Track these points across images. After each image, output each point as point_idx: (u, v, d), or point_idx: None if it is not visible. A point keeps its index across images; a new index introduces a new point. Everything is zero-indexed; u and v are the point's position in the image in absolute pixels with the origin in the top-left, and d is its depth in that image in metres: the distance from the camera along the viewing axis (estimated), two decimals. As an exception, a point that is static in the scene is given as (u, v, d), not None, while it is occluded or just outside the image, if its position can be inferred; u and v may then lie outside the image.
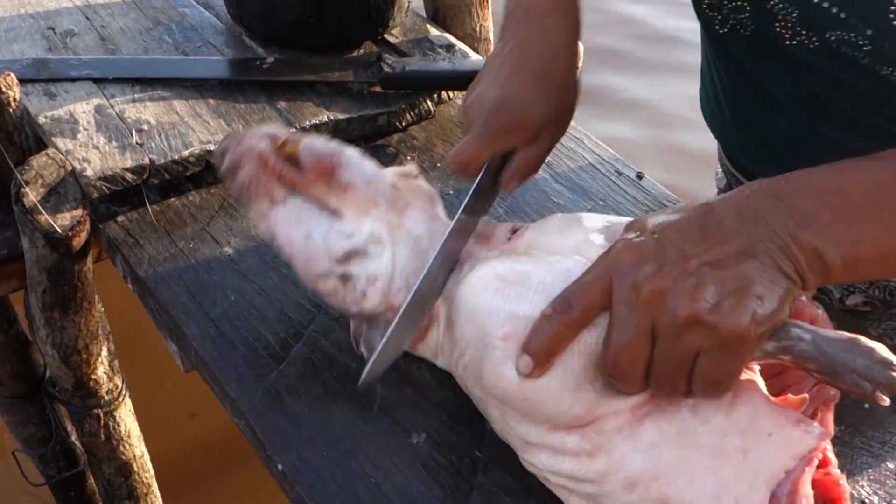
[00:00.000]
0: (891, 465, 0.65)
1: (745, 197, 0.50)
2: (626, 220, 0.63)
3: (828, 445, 0.59)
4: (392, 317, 0.64)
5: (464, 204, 0.65)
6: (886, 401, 0.48)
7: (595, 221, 0.62)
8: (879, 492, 0.63)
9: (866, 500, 0.63)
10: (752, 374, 0.56)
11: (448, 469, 0.62)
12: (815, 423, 0.52)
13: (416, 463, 0.63)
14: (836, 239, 0.48)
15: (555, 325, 0.51)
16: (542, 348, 0.52)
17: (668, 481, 0.51)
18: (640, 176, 0.94)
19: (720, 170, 0.96)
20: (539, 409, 0.55)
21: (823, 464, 0.58)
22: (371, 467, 0.62)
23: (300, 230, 0.65)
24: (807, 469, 0.50)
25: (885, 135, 0.65)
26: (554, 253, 0.60)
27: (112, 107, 0.89)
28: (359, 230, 0.65)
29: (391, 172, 0.69)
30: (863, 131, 0.66)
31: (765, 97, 0.71)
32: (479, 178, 0.66)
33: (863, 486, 0.63)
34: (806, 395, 0.57)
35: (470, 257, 0.65)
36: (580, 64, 0.72)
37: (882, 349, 0.49)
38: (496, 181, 0.68)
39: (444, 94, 1.01)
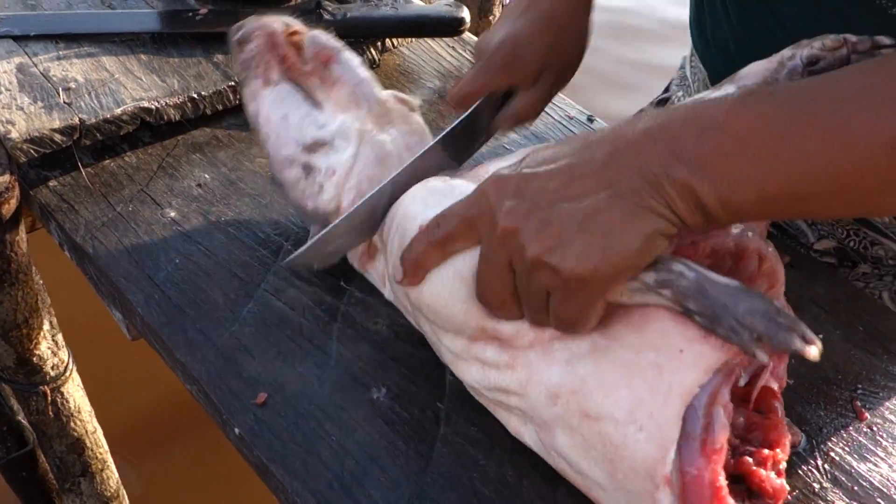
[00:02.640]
0: (846, 393, 0.66)
1: (625, 127, 0.47)
2: None
3: (777, 395, 0.58)
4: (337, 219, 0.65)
5: (450, 126, 0.65)
6: (764, 357, 0.45)
7: None
8: (836, 420, 0.64)
9: (823, 428, 0.63)
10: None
11: (410, 422, 0.61)
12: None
13: (377, 418, 0.61)
14: (714, 177, 0.44)
15: (423, 243, 0.52)
16: (410, 261, 0.53)
17: (585, 394, 0.51)
18: (591, 119, 0.93)
19: (680, 94, 0.94)
20: (441, 317, 0.56)
21: (768, 411, 0.57)
22: (331, 425, 0.61)
23: (279, 111, 0.67)
24: (723, 382, 0.49)
25: None
26: None
27: (35, 65, 0.84)
28: (331, 122, 0.66)
29: (390, 93, 0.70)
30: None
31: (781, 36, 0.68)
32: (471, 109, 0.67)
33: (820, 415, 0.64)
34: None
35: None
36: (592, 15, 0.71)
37: (772, 301, 0.45)
38: (493, 120, 0.69)
39: (388, 42, 0.97)
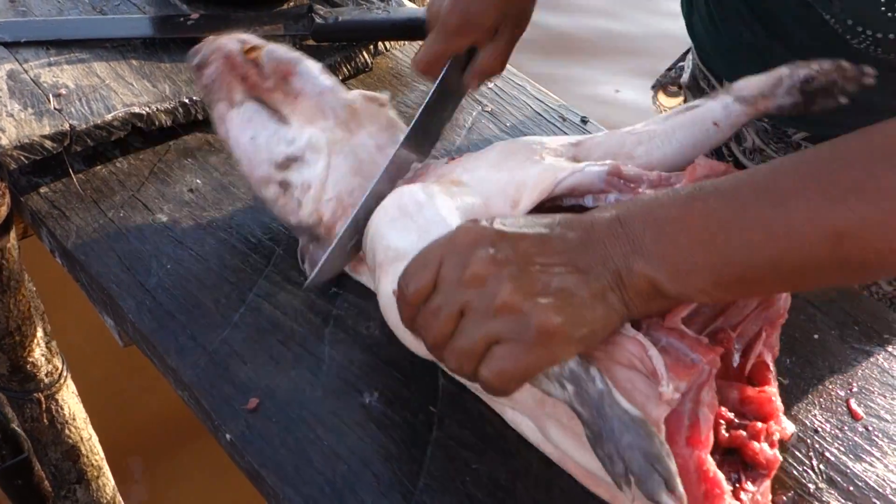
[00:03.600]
0: (841, 393, 0.66)
1: (591, 218, 0.50)
2: (558, 140, 0.66)
3: (770, 366, 0.60)
4: (322, 231, 0.66)
5: (426, 101, 0.68)
6: (628, 495, 0.47)
7: (525, 158, 0.63)
8: (832, 420, 0.64)
9: (819, 429, 0.63)
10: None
11: (402, 426, 0.61)
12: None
13: (370, 422, 0.61)
14: (669, 267, 0.47)
15: (402, 307, 0.52)
16: (410, 327, 0.52)
17: None
18: (584, 120, 0.93)
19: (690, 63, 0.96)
20: (401, 336, 0.59)
21: (761, 383, 0.59)
22: (323, 430, 0.60)
23: (248, 132, 0.67)
24: (705, 383, 0.51)
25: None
26: (483, 183, 0.62)
27: (26, 72, 0.84)
28: (300, 136, 0.66)
29: (358, 93, 0.70)
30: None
31: (781, 38, 0.71)
32: (440, 76, 0.69)
33: (815, 415, 0.64)
34: None
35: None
36: None
37: (662, 444, 0.46)
38: (461, 81, 0.71)
39: (380, 45, 0.97)
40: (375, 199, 0.63)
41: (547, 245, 0.48)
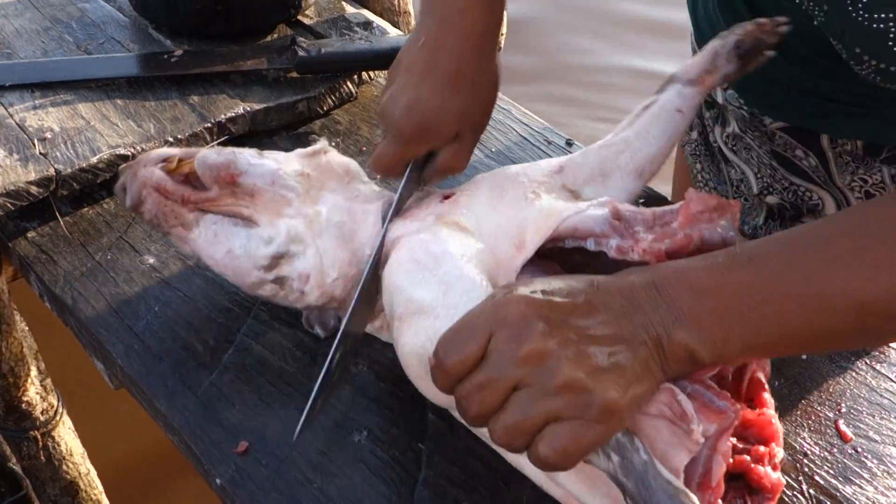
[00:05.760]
0: (830, 415, 0.66)
1: (629, 283, 0.51)
2: (540, 170, 0.67)
3: (765, 384, 0.60)
4: (336, 305, 0.65)
5: (394, 204, 0.66)
6: None
7: (520, 196, 0.64)
8: (820, 442, 0.64)
9: (808, 452, 0.63)
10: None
11: (392, 465, 0.61)
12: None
13: (359, 462, 0.61)
14: (707, 336, 0.49)
15: (438, 376, 0.51)
16: (442, 391, 0.52)
17: None
18: (569, 143, 0.93)
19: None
20: (420, 388, 0.59)
21: (759, 405, 0.59)
22: (312, 472, 0.61)
23: (220, 248, 0.65)
24: (724, 433, 0.52)
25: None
26: (484, 226, 0.63)
27: (11, 116, 0.84)
28: (277, 233, 0.64)
29: (297, 157, 0.68)
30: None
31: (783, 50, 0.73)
32: (404, 179, 0.67)
33: (804, 438, 0.64)
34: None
35: (399, 237, 0.64)
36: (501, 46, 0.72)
37: None
38: (421, 176, 0.69)
39: (365, 74, 0.98)
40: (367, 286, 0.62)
41: (595, 315, 0.49)
